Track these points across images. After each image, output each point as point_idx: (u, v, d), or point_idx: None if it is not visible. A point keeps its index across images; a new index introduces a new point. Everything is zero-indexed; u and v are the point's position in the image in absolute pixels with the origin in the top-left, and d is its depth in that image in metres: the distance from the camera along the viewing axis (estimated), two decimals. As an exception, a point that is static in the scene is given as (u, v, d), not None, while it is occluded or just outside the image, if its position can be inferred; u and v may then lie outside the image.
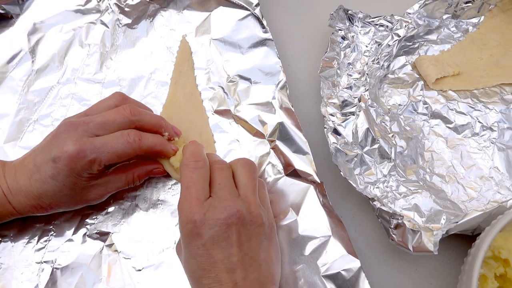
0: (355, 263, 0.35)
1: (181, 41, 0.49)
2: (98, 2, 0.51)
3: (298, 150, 0.41)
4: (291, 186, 0.39)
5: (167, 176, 0.41)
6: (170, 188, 0.41)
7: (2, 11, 0.50)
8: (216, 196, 0.33)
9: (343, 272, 0.35)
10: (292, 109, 0.43)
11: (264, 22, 0.47)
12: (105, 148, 0.34)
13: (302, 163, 0.40)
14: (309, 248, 0.37)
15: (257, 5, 0.48)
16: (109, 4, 0.51)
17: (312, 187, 0.39)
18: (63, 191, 0.35)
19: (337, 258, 0.36)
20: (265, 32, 0.47)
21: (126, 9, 0.51)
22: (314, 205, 0.38)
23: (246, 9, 0.49)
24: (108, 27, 0.50)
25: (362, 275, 0.35)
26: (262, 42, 0.47)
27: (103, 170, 0.36)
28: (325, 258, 0.36)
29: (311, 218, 0.38)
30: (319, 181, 0.39)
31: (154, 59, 0.48)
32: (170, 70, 0.47)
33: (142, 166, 0.39)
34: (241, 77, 0.45)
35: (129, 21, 0.50)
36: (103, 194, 0.38)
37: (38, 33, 0.50)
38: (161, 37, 0.49)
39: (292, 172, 0.40)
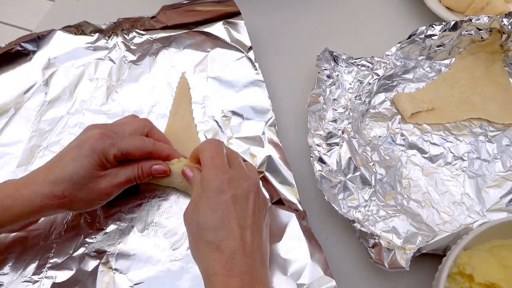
0: (331, 283, 0.38)
1: (180, 77, 0.53)
2: (107, 40, 0.56)
3: (284, 181, 0.45)
4: (276, 214, 0.43)
5: (162, 200, 0.45)
6: (164, 211, 0.45)
7: (20, 48, 0.54)
8: (237, 170, 0.38)
9: None
10: (280, 144, 0.47)
11: (256, 65, 0.52)
12: (124, 140, 0.40)
13: (287, 193, 0.44)
14: (290, 269, 0.40)
15: (250, 48, 0.53)
16: (117, 42, 0.56)
17: (295, 215, 0.43)
18: (79, 173, 0.38)
19: (314, 279, 0.39)
20: (257, 73, 0.52)
21: (132, 47, 0.56)
22: (296, 231, 0.42)
23: (241, 51, 0.54)
24: (115, 63, 0.55)
25: None
26: (254, 83, 0.52)
27: (115, 163, 0.40)
28: (304, 279, 0.39)
29: (293, 242, 0.41)
30: (302, 210, 0.43)
31: (155, 93, 0.52)
32: (169, 103, 0.51)
33: (148, 161, 0.43)
34: (234, 113, 0.50)
35: (134, 58, 0.55)
36: (113, 184, 0.40)
37: (52, 67, 0.54)
38: (162, 73, 0.54)
39: (278, 201, 0.44)
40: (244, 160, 0.42)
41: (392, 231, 0.42)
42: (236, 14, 0.56)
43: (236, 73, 0.53)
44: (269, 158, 0.46)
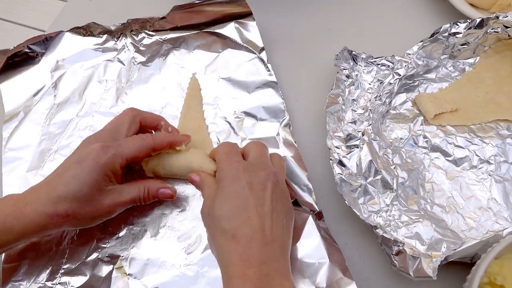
0: (351, 286, 0.37)
1: (191, 78, 0.52)
2: (116, 41, 0.55)
3: (299, 182, 0.44)
4: None
5: (175, 203, 0.44)
6: (177, 214, 0.44)
7: (28, 51, 0.53)
8: (255, 161, 0.38)
9: None
10: (295, 144, 0.46)
11: (269, 66, 0.51)
12: (125, 145, 0.39)
13: (303, 194, 0.43)
14: (308, 272, 0.39)
15: (262, 49, 0.52)
16: (126, 43, 0.55)
17: (311, 216, 0.42)
18: (82, 191, 0.37)
19: (333, 281, 0.38)
20: (270, 75, 0.51)
21: (141, 48, 0.54)
22: (313, 232, 0.41)
23: (253, 52, 0.52)
24: (124, 64, 0.53)
25: None
26: (267, 84, 0.50)
27: (121, 172, 0.40)
28: (322, 281, 0.38)
29: (310, 244, 0.40)
30: (318, 210, 0.42)
31: (165, 95, 0.51)
32: (180, 104, 0.50)
33: (154, 182, 0.42)
34: (247, 114, 0.49)
35: (143, 59, 0.54)
36: (117, 202, 0.39)
37: (61, 70, 0.53)
38: (172, 74, 0.53)
39: (294, 202, 0.42)
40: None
41: (415, 237, 0.40)
42: (248, 14, 0.54)
43: (248, 74, 0.51)
44: (284, 159, 0.45)
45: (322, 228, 0.41)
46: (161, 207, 0.44)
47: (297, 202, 0.43)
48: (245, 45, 0.53)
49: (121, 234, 0.43)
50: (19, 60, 0.53)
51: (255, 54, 0.52)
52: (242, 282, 0.31)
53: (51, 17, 0.65)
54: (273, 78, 0.51)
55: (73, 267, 0.41)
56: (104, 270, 0.41)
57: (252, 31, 0.53)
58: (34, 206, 0.36)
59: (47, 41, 0.54)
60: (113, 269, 0.41)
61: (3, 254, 0.42)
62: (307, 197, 0.43)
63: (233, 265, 0.32)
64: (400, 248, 0.38)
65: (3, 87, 0.52)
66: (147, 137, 0.41)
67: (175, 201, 0.44)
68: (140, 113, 0.44)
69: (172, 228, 0.43)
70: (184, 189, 0.45)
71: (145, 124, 0.44)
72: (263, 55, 0.52)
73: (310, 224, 0.41)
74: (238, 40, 0.53)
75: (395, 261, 0.38)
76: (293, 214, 0.39)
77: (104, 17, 0.56)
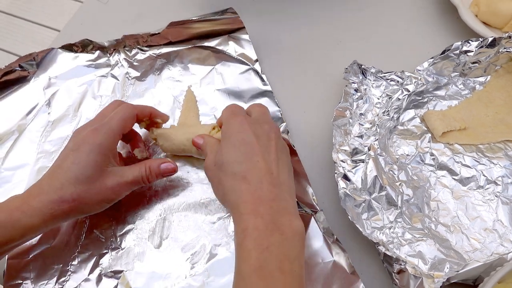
0: (357, 284, 0.38)
1: (187, 90, 0.52)
2: (108, 57, 0.55)
3: (298, 183, 0.44)
4: None
5: (177, 213, 0.44)
6: (179, 225, 0.44)
7: (19, 69, 0.53)
8: (259, 117, 0.40)
9: None
10: (294, 148, 0.46)
11: (264, 77, 0.52)
12: (111, 120, 0.40)
13: (303, 195, 0.43)
14: (314, 273, 0.39)
15: (256, 60, 0.53)
16: (119, 59, 0.55)
17: (313, 217, 0.42)
18: (84, 173, 0.37)
19: (340, 279, 0.38)
20: (265, 85, 0.51)
21: (135, 63, 0.54)
22: (316, 233, 0.41)
23: (247, 64, 0.53)
24: (118, 80, 0.53)
25: None
26: (262, 93, 0.51)
27: (116, 151, 0.41)
28: (330, 281, 0.39)
29: (314, 245, 0.41)
30: (319, 210, 0.42)
31: (162, 108, 0.51)
32: (177, 117, 0.50)
33: (155, 160, 0.43)
34: None
35: (137, 74, 0.54)
36: (120, 183, 0.40)
37: (53, 87, 0.53)
38: (168, 88, 0.53)
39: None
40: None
41: (418, 256, 0.40)
42: (240, 28, 0.55)
43: (244, 85, 0.52)
44: None
45: (324, 228, 0.41)
46: (162, 218, 0.44)
47: (298, 205, 0.42)
48: (239, 58, 0.53)
49: (123, 247, 0.43)
50: (11, 79, 0.53)
51: (249, 65, 0.53)
52: (253, 217, 0.33)
53: (64, 17, 0.66)
54: (268, 88, 0.51)
55: (76, 284, 0.41)
56: (109, 286, 0.41)
57: (245, 44, 0.54)
58: (39, 197, 0.36)
59: (38, 59, 0.54)
60: (117, 284, 0.41)
61: (4, 273, 0.41)
62: (307, 198, 0.43)
63: (245, 202, 0.34)
64: (402, 266, 0.37)
65: None
66: (128, 105, 0.42)
67: (176, 212, 0.44)
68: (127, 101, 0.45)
69: (175, 239, 0.43)
70: (186, 198, 0.45)
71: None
72: (257, 66, 0.52)
73: (312, 225, 0.42)
74: (232, 53, 0.54)
75: (396, 280, 0.37)
76: (292, 169, 0.39)
77: (118, 20, 0.56)
